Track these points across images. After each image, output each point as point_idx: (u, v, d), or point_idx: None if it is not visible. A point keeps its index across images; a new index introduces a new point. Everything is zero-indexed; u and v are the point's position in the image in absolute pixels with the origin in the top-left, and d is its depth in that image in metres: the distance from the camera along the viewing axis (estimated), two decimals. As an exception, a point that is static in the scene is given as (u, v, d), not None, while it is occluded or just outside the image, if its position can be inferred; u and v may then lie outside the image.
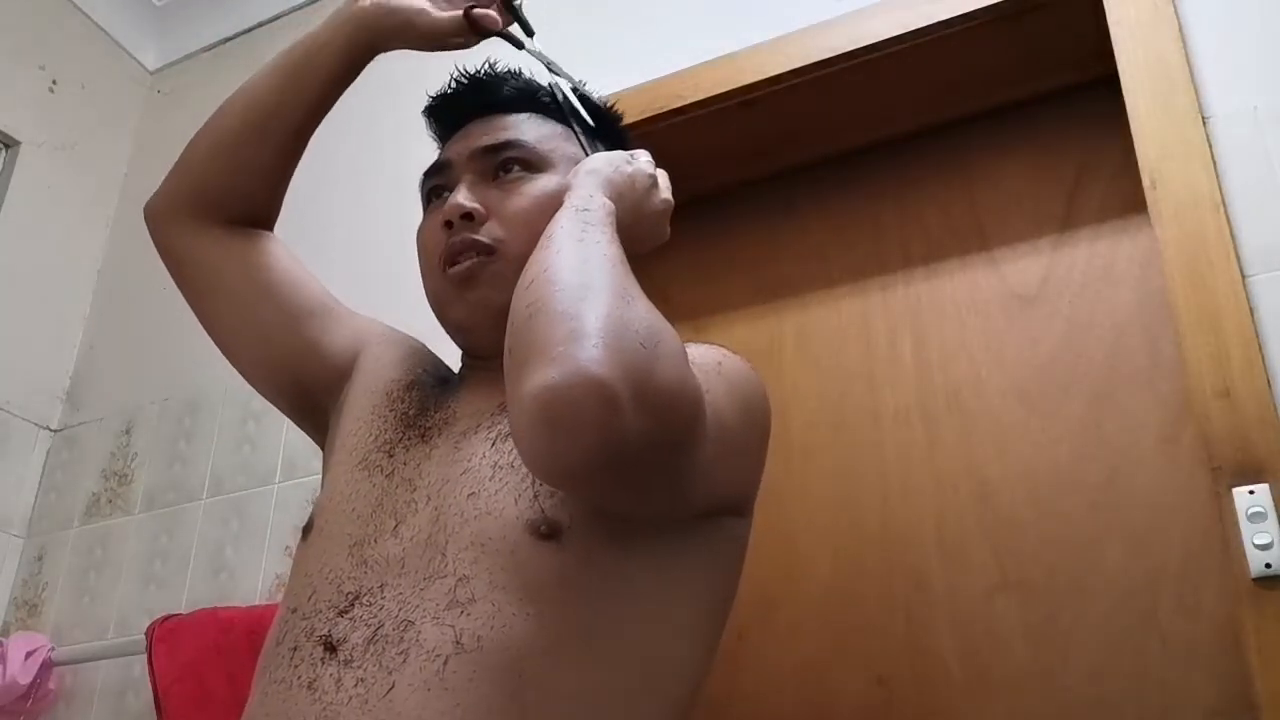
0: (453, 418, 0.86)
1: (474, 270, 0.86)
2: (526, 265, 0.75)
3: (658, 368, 0.66)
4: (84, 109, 2.24)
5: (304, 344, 0.96)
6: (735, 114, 1.59)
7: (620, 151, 0.92)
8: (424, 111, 1.00)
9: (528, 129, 0.93)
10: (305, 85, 0.97)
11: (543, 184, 0.89)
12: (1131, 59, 1.29)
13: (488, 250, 0.86)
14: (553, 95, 0.97)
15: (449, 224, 0.87)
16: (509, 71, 0.98)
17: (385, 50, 0.98)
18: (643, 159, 0.93)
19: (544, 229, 0.81)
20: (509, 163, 0.90)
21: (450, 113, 0.98)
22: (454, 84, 0.98)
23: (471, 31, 0.95)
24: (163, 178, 1.03)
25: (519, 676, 0.69)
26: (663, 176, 0.94)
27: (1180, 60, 1.26)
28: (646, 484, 0.70)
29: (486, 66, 0.98)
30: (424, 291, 0.93)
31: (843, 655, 1.35)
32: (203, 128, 1.00)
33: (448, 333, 0.93)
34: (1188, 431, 1.25)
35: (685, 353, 0.72)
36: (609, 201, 0.82)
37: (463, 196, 0.88)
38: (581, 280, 0.71)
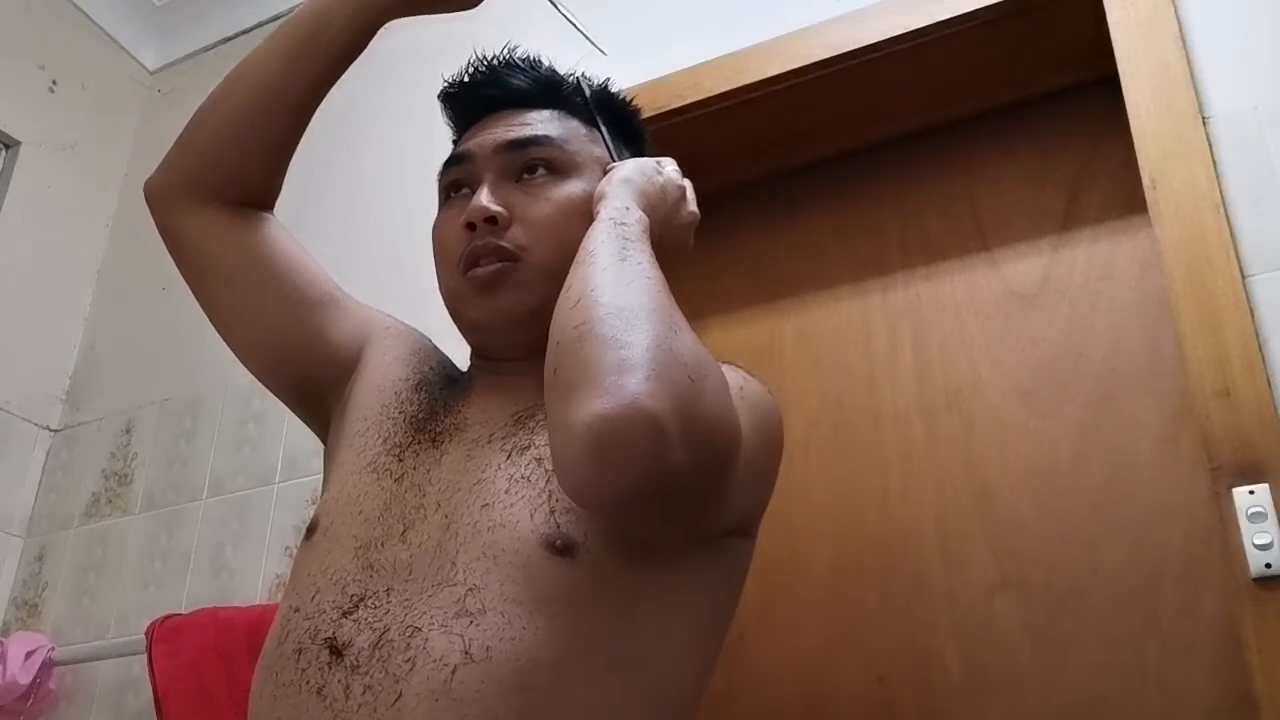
0: (464, 423, 0.85)
1: (496, 277, 0.85)
2: (569, 281, 0.75)
3: (704, 402, 0.67)
4: (84, 109, 2.24)
5: (308, 333, 0.94)
6: (735, 114, 1.59)
7: (650, 160, 0.91)
8: (440, 96, 0.98)
9: (553, 126, 0.91)
10: (311, 63, 0.95)
11: (569, 189, 0.88)
12: (1131, 59, 1.29)
13: (512, 257, 0.85)
14: (578, 89, 0.96)
15: (471, 225, 0.86)
16: (529, 60, 0.96)
17: (394, 18, 0.96)
18: (670, 168, 0.92)
19: (569, 236, 0.81)
20: (534, 163, 0.89)
21: (470, 101, 0.96)
22: (473, 71, 0.96)
23: None
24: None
25: (527, 689, 0.68)
26: (689, 188, 0.93)
27: (1180, 60, 1.26)
28: (683, 513, 0.71)
29: (506, 54, 0.96)
30: (438, 288, 0.91)
31: (842, 655, 1.35)
32: (206, 105, 0.97)
33: (461, 331, 0.91)
34: (1188, 431, 1.25)
35: (727, 384, 0.73)
36: (644, 215, 0.82)
37: (486, 199, 0.86)
38: (628, 304, 0.71)
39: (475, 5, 0.97)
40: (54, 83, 2.19)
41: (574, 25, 1.00)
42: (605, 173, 0.90)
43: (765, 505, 0.85)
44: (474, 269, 0.86)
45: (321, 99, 0.97)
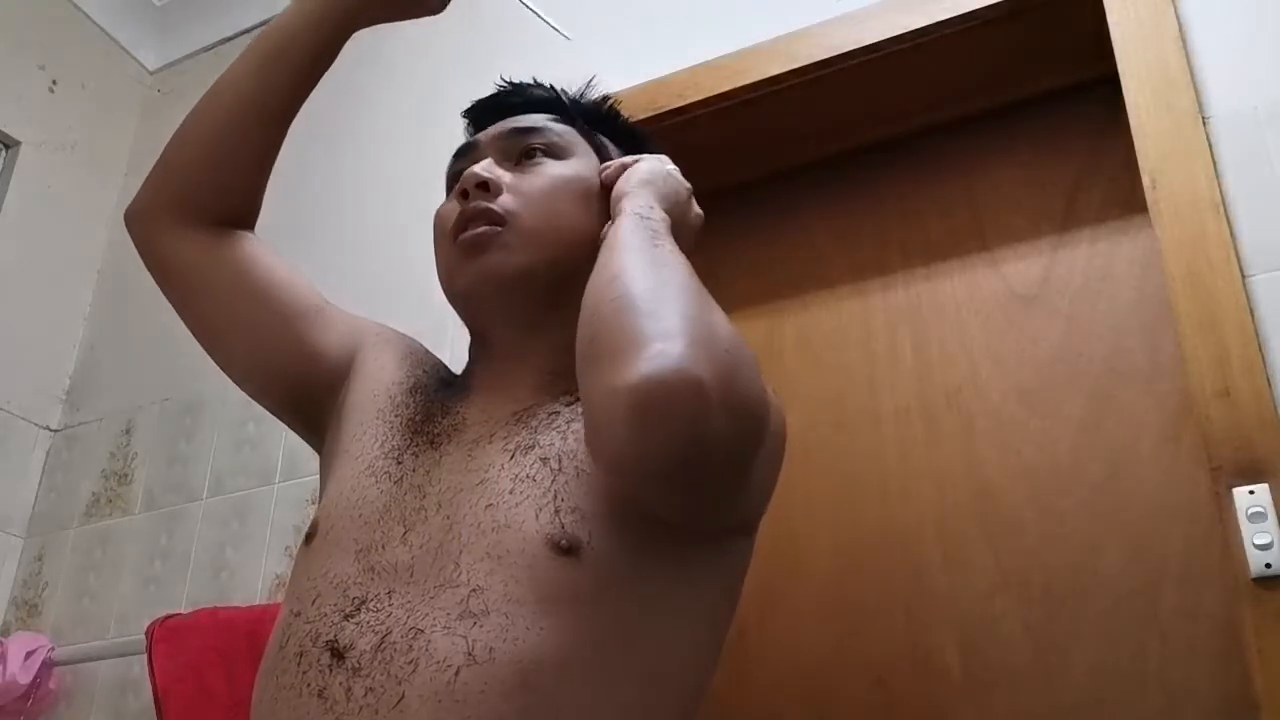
0: (462, 424, 0.85)
1: (482, 237, 0.86)
2: (601, 264, 0.76)
3: (741, 375, 0.68)
4: (84, 109, 2.24)
5: (298, 346, 0.95)
6: (735, 114, 1.59)
7: (661, 161, 0.92)
8: (464, 114, 1.01)
9: (555, 123, 0.95)
10: (285, 73, 0.96)
11: (562, 167, 0.91)
12: (1131, 59, 1.29)
13: (499, 220, 0.87)
14: (576, 103, 0.99)
15: (465, 194, 0.88)
16: (542, 85, 1.00)
17: (361, 26, 0.98)
18: (674, 168, 0.94)
19: (558, 209, 0.86)
20: (532, 148, 0.92)
21: (486, 108, 0.99)
22: (496, 89, 1.00)
23: None
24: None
25: (530, 690, 0.68)
26: (690, 191, 0.95)
27: (1180, 60, 1.26)
28: (714, 490, 0.71)
29: (532, 80, 1.00)
30: (437, 277, 0.92)
31: (843, 656, 1.35)
32: (181, 129, 0.99)
33: (456, 309, 0.92)
34: (1188, 431, 1.25)
35: (757, 360, 0.73)
36: (666, 215, 0.83)
37: (480, 168, 0.89)
38: (663, 282, 0.72)
39: (441, 10, 0.99)
40: (54, 83, 2.19)
41: (538, 15, 1.01)
42: (602, 172, 0.92)
43: (768, 503, 0.86)
44: (463, 234, 0.87)
45: (296, 110, 0.99)
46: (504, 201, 0.87)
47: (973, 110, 1.57)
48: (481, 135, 0.96)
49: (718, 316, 0.71)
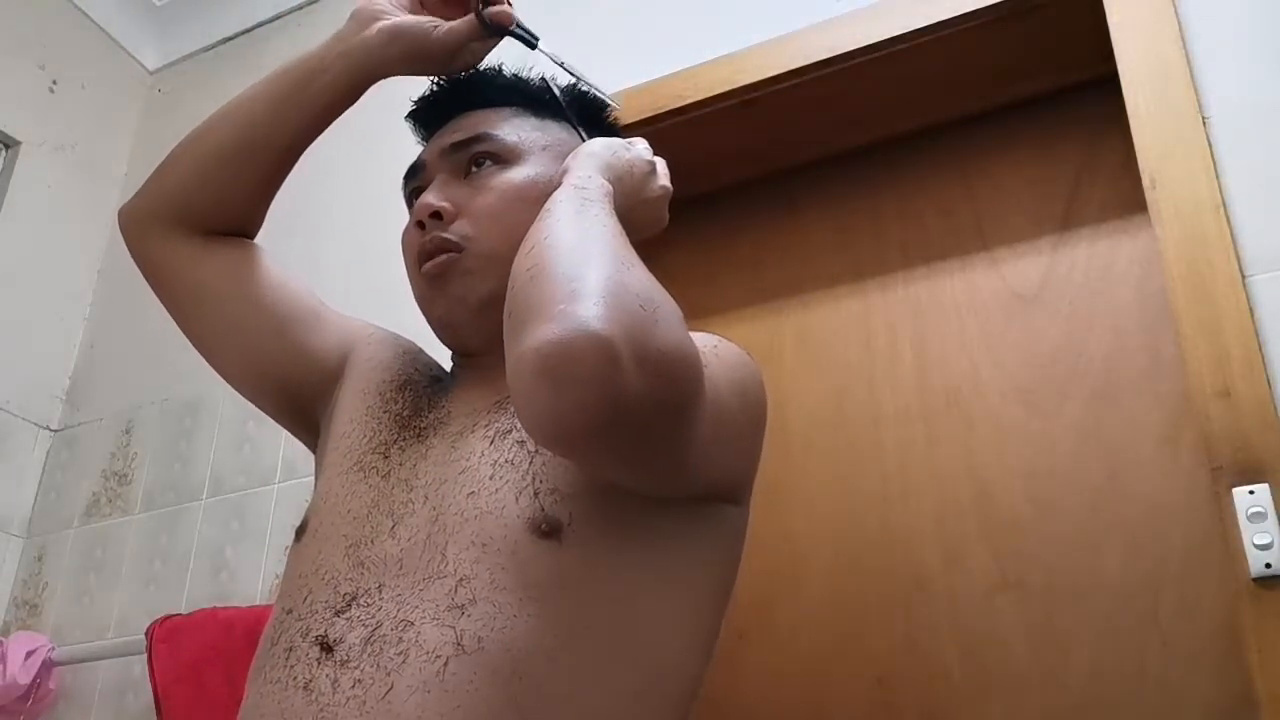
0: (448, 417, 0.86)
1: (443, 267, 0.86)
2: (526, 235, 0.75)
3: (657, 330, 0.66)
4: (84, 109, 2.24)
5: (292, 349, 0.95)
6: (735, 114, 1.59)
7: (618, 139, 0.92)
8: (407, 117, 0.99)
9: (500, 122, 0.93)
10: (300, 111, 0.95)
11: (511, 176, 0.89)
12: (1131, 59, 1.29)
13: (456, 248, 0.86)
14: (546, 88, 0.97)
15: (421, 224, 0.88)
16: (490, 69, 0.97)
17: (387, 76, 0.96)
18: (640, 145, 0.93)
19: (514, 220, 0.83)
20: (479, 157, 0.90)
21: (432, 114, 0.98)
22: (435, 86, 0.98)
23: (485, 32, 0.93)
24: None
25: (520, 678, 0.68)
26: (660, 164, 0.94)
27: (1180, 60, 1.26)
28: (646, 449, 0.69)
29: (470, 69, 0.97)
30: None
31: (842, 656, 1.35)
32: (188, 141, 0.98)
33: (434, 332, 0.92)
34: (1188, 431, 1.25)
35: (683, 319, 0.72)
36: (607, 183, 0.82)
37: (432, 196, 0.88)
38: (581, 246, 0.71)
39: (473, 66, 0.97)
40: (54, 83, 2.19)
41: (584, 82, 0.99)
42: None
43: (753, 470, 0.85)
44: (425, 264, 0.87)
45: (306, 146, 0.98)
46: (458, 228, 0.87)
47: (973, 110, 1.57)
48: (427, 154, 0.94)
49: (635, 274, 0.70)
